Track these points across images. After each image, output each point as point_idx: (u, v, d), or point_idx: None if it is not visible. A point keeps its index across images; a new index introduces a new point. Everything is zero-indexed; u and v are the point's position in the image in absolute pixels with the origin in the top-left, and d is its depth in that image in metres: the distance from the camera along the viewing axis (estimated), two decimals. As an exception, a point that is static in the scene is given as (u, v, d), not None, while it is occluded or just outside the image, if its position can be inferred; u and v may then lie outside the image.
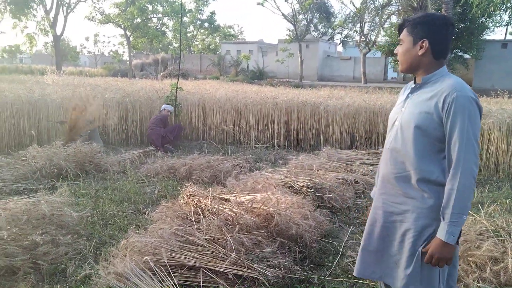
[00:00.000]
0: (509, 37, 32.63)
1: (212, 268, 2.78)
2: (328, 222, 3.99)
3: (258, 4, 32.07)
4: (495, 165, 6.51)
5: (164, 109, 8.11)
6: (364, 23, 31.52)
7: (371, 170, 5.74)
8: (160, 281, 2.60)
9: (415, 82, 1.94)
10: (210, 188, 4.04)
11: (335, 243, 3.69)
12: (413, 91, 1.92)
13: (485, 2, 16.00)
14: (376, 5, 29.49)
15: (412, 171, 1.82)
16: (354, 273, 2.08)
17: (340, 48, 43.84)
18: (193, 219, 3.32)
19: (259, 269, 2.81)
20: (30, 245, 3.05)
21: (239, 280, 2.76)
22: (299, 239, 3.35)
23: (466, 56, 25.99)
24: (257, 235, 3.12)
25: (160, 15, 38.99)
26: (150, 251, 2.84)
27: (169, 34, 46.30)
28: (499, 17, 24.95)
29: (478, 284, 2.78)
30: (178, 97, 8.68)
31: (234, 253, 2.84)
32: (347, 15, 33.80)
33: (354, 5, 35.45)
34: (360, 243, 3.56)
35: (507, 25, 29.15)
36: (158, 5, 37.47)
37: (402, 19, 1.95)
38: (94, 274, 2.83)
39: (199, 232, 3.09)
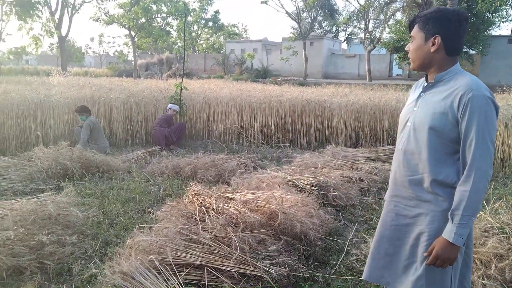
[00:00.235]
0: (515, 32, 32.31)
1: (217, 266, 2.79)
2: (332, 220, 3.99)
3: (262, 2, 32.07)
4: (501, 161, 6.47)
5: (170, 108, 8.13)
6: (369, 20, 31.37)
7: (376, 168, 5.72)
8: (165, 280, 2.61)
9: (427, 80, 1.88)
10: (214, 187, 4.05)
11: (339, 241, 3.69)
12: (425, 90, 1.86)
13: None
14: (380, 2, 29.33)
15: (426, 174, 1.77)
16: (363, 276, 2.05)
17: (344, 46, 43.68)
18: (198, 218, 3.33)
19: (264, 267, 2.81)
20: (37, 245, 3.08)
21: (244, 278, 2.77)
22: (304, 237, 3.35)
23: (471, 52, 25.79)
24: (261, 233, 3.13)
25: (164, 15, 39.07)
26: (155, 250, 2.86)
27: (174, 34, 46.42)
28: (505, 12, 24.67)
29: (483, 281, 2.76)
30: (183, 97, 8.70)
31: (238, 251, 2.85)
32: (352, 12, 33.65)
33: (358, 2, 35.31)
34: (364, 241, 3.57)
35: (513, 20, 28.87)
36: (162, 5, 37.54)
37: (413, 15, 1.88)
38: (100, 274, 2.85)
39: (204, 231, 3.10)
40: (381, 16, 29.38)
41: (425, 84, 1.88)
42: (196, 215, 3.38)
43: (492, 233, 3.18)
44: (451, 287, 1.77)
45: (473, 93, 1.65)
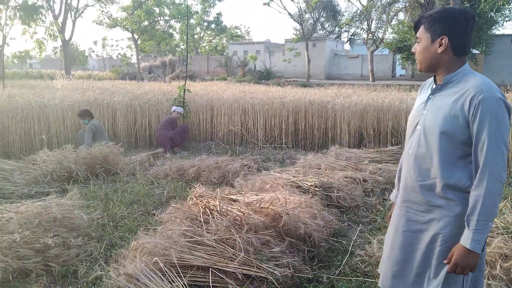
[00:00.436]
0: (518, 31, 32.18)
1: (221, 268, 2.79)
2: (336, 221, 3.99)
3: (264, 4, 32.10)
4: (505, 161, 6.43)
5: (174, 111, 8.16)
6: (371, 21, 31.34)
7: (380, 169, 5.71)
8: (170, 282, 2.62)
9: (435, 82, 1.83)
10: (218, 189, 4.06)
11: (344, 242, 3.69)
12: (434, 92, 1.81)
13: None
14: (383, 2, 29.32)
15: (438, 179, 1.73)
16: (379, 284, 2.01)
17: (347, 46, 43.63)
18: (202, 220, 3.34)
19: (268, 268, 2.82)
20: (42, 248, 3.10)
21: (248, 280, 2.77)
22: (308, 239, 3.35)
23: (475, 51, 25.71)
24: (265, 235, 3.13)
25: (167, 18, 39.20)
26: (159, 252, 2.87)
27: (176, 36, 46.50)
28: (508, 12, 24.57)
29: (488, 281, 2.75)
30: (186, 99, 8.73)
31: (243, 253, 2.85)
32: (354, 13, 33.64)
33: (360, 3, 35.26)
34: (369, 242, 3.56)
35: (516, 20, 28.80)
36: (165, 7, 37.69)
37: (418, 16, 1.84)
38: (105, 276, 2.86)
39: (208, 232, 3.11)
40: (384, 16, 29.39)
41: (434, 86, 1.84)
42: (200, 217, 3.39)
43: (497, 233, 3.17)
44: None
45: (483, 95, 1.60)
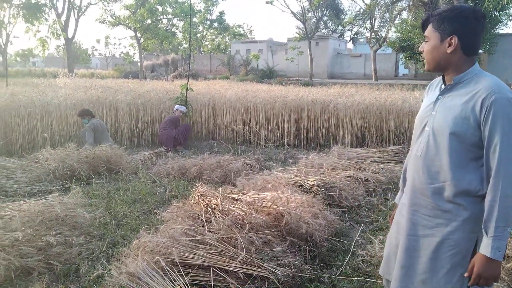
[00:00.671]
0: (522, 30, 32.04)
1: (222, 267, 2.80)
2: (338, 221, 3.98)
3: (267, 2, 32.10)
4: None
5: (177, 109, 8.16)
6: (374, 20, 31.27)
7: (382, 168, 5.71)
8: (171, 281, 2.62)
9: (444, 82, 1.80)
10: (220, 188, 4.07)
11: (345, 241, 3.69)
12: (443, 92, 1.76)
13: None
14: (386, 1, 29.22)
15: (448, 182, 1.68)
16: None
17: (350, 45, 43.61)
18: (203, 219, 3.34)
19: (270, 268, 2.82)
20: (44, 246, 3.11)
21: (250, 279, 2.78)
22: (309, 238, 3.35)
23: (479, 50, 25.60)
24: (267, 234, 3.13)
25: (169, 16, 39.18)
26: (161, 250, 2.87)
27: (179, 35, 46.50)
28: (512, 10, 24.51)
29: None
30: (189, 98, 8.73)
31: (244, 252, 2.85)
32: (357, 12, 33.59)
33: (364, 2, 35.12)
34: (370, 242, 3.56)
35: (520, 19, 28.64)
36: (168, 6, 37.66)
37: (426, 14, 1.79)
38: (106, 274, 2.87)
39: (209, 231, 3.11)
40: (387, 15, 29.29)
41: (443, 86, 1.80)
42: (202, 216, 3.40)
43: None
44: None
45: (495, 96, 1.56)
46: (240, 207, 3.47)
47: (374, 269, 3.15)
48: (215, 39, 55.63)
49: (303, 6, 33.23)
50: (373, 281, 2.99)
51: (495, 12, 22.93)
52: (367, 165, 5.89)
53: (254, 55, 36.46)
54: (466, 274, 1.65)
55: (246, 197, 3.78)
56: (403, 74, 37.16)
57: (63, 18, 28.19)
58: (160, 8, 36.43)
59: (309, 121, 8.18)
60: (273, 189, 4.22)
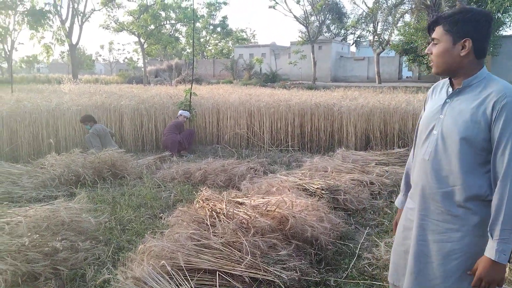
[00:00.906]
0: (526, 32, 31.93)
1: (228, 271, 2.79)
2: (343, 224, 3.97)
3: (270, 7, 32.18)
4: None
5: (181, 115, 8.19)
6: (377, 23, 31.28)
7: (387, 171, 5.69)
8: (177, 285, 2.62)
9: (451, 85, 1.77)
10: (225, 192, 4.07)
11: (351, 245, 3.67)
12: (451, 96, 1.74)
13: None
14: (388, 4, 29.27)
15: (458, 187, 1.66)
16: None
17: (353, 49, 43.57)
18: (208, 223, 3.34)
19: (275, 272, 2.81)
20: (51, 251, 3.12)
21: (255, 283, 2.77)
22: (315, 242, 3.34)
23: (482, 52, 25.50)
24: (272, 238, 3.13)
25: (173, 22, 39.38)
26: (167, 255, 2.88)
27: (183, 40, 46.70)
28: (516, 12, 24.44)
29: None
30: (192, 102, 8.76)
31: (249, 256, 2.85)
32: (360, 15, 33.56)
33: (366, 5, 35.18)
34: (376, 245, 3.55)
35: (524, 20, 28.54)
36: (171, 11, 37.85)
37: (435, 16, 1.76)
38: (112, 279, 2.87)
39: (214, 235, 3.12)
40: (390, 18, 29.34)
41: (450, 89, 1.77)
42: (206, 220, 3.40)
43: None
44: None
45: (507, 100, 1.55)
46: (245, 211, 3.47)
47: (380, 272, 3.14)
48: (218, 44, 55.79)
49: (306, 10, 33.33)
50: (380, 284, 2.98)
51: (499, 14, 22.87)
52: (371, 168, 5.87)
53: (257, 59, 36.53)
54: (468, 272, 1.65)
55: (250, 201, 3.78)
56: (407, 77, 37.14)
57: (67, 24, 28.44)
58: (163, 14, 36.60)
59: (313, 124, 8.18)
60: (277, 192, 4.22)
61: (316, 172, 5.50)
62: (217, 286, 2.69)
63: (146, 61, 38.06)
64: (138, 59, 54.56)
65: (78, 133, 7.72)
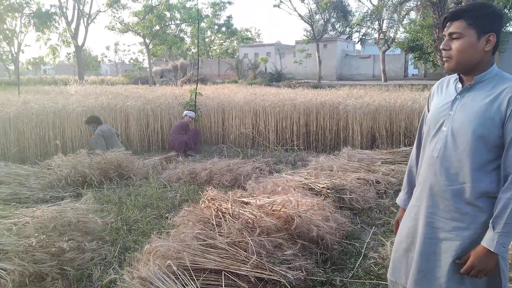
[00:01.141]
0: (533, 28, 31.65)
1: (233, 271, 2.80)
2: (349, 224, 3.95)
3: (275, 6, 32.15)
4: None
5: (186, 115, 8.20)
6: (382, 20, 31.16)
7: (393, 170, 5.66)
8: (183, 285, 2.63)
9: (461, 81, 1.75)
10: (230, 192, 4.07)
11: (357, 244, 3.66)
12: (463, 92, 1.70)
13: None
14: (394, 2, 29.06)
15: (468, 184, 1.64)
16: None
17: (358, 47, 43.43)
18: (214, 223, 3.35)
19: (281, 271, 2.81)
20: (57, 252, 3.14)
21: (261, 283, 2.77)
22: (320, 241, 3.33)
23: (489, 49, 25.29)
24: (277, 237, 3.13)
25: (178, 22, 39.48)
26: (173, 255, 2.88)
27: (187, 40, 46.85)
28: (523, 8, 24.21)
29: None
30: (198, 102, 8.78)
31: (255, 256, 2.85)
32: (365, 13, 33.51)
33: (371, 3, 34.98)
34: (382, 244, 3.53)
35: (531, 16, 28.27)
36: (176, 12, 37.95)
37: (456, 8, 1.69)
38: (119, 279, 2.88)
39: (220, 235, 3.12)
40: (395, 15, 29.14)
41: (459, 85, 1.74)
42: (212, 219, 3.40)
43: None
44: None
45: None
46: (251, 210, 3.47)
47: (386, 271, 3.11)
48: (223, 44, 55.87)
49: (311, 8, 33.25)
50: (386, 284, 2.97)
51: (505, 10, 22.68)
52: (377, 166, 5.85)
53: (262, 59, 36.53)
54: (457, 261, 1.66)
55: (256, 201, 3.78)
56: (413, 75, 36.95)
57: (73, 26, 28.63)
58: (168, 14, 36.72)
59: (318, 123, 8.16)
60: (283, 192, 4.22)
61: (322, 171, 5.48)
62: (223, 286, 2.70)
63: (151, 61, 38.21)
64: (143, 59, 54.89)
65: (84, 134, 7.77)
